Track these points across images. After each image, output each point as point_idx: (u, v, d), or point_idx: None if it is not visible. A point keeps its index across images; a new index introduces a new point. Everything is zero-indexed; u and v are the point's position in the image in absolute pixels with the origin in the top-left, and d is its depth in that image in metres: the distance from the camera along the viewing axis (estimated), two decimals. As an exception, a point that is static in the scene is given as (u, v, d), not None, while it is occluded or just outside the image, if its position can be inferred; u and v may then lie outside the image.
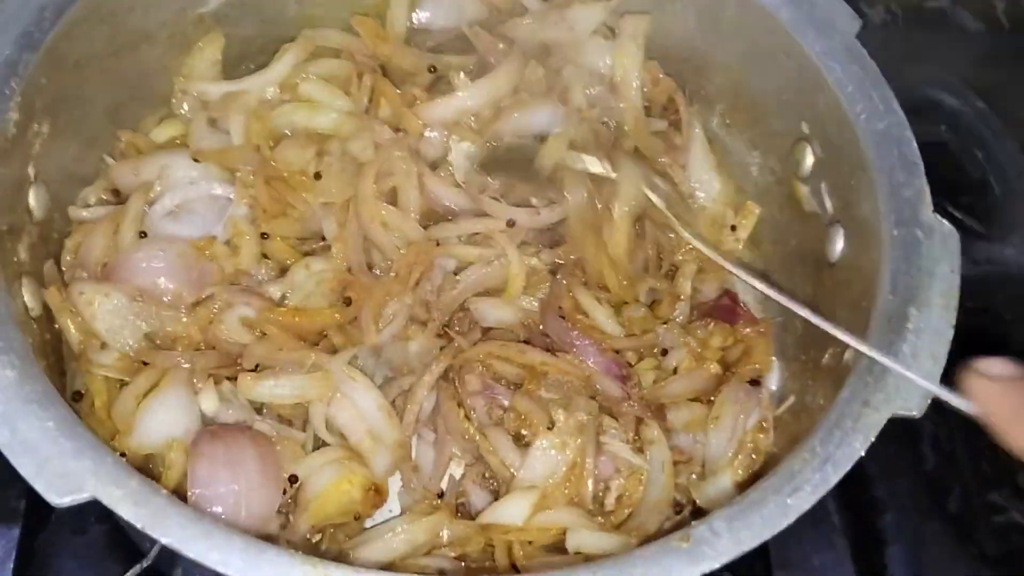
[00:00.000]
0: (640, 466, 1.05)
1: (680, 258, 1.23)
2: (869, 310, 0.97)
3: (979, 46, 1.78)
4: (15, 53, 0.99)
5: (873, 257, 1.01)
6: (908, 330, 0.93)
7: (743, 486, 1.09)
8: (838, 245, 1.11)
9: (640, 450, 1.08)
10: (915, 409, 0.89)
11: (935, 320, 0.94)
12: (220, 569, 0.75)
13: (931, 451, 1.39)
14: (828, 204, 1.13)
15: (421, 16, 1.31)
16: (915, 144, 1.04)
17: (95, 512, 1.08)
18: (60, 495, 0.77)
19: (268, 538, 0.81)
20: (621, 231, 1.16)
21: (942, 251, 0.98)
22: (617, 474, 1.05)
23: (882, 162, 1.04)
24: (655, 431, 1.07)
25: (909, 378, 0.88)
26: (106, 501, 0.77)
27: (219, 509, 0.93)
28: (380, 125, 1.19)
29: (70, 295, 1.02)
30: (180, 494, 0.91)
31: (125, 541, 1.12)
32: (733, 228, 1.27)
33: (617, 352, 1.11)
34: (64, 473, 0.78)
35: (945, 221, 0.99)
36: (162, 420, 1.00)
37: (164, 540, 0.76)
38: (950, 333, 0.93)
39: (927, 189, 1.02)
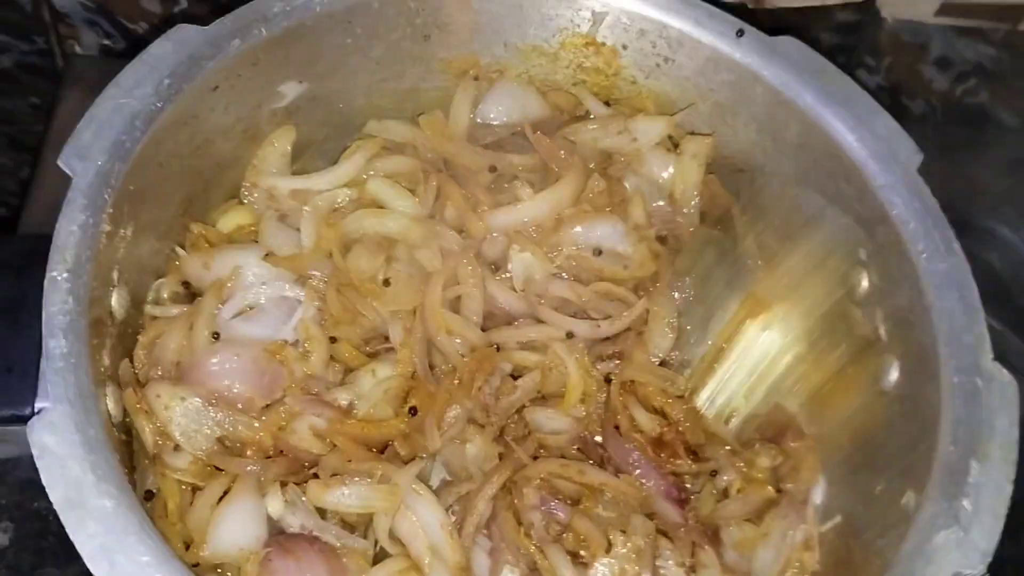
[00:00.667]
0: (695, 591, 1.08)
1: (732, 370, 1.26)
2: (928, 456, 1.00)
3: (1016, 141, 1.82)
4: (108, 163, 1.01)
5: (929, 398, 1.04)
6: (969, 484, 0.96)
7: (789, 606, 1.12)
8: (892, 375, 1.13)
9: (692, 570, 1.10)
10: (977, 567, 0.91)
11: (995, 475, 0.96)
12: None
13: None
14: (882, 332, 1.16)
15: (483, 111, 1.34)
16: (976, 289, 1.07)
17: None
18: (159, 632, 0.79)
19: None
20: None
21: (1001, 402, 1.00)
22: (673, 598, 1.08)
23: (942, 303, 1.07)
24: (710, 556, 1.10)
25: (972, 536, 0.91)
26: (201, 641, 0.79)
27: (295, 628, 0.95)
28: (446, 230, 1.21)
29: (147, 396, 1.04)
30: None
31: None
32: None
33: (676, 475, 1.13)
34: (161, 610, 0.80)
35: (1005, 371, 1.02)
36: (234, 529, 1.02)
37: None
38: (1009, 489, 0.96)
39: (987, 336, 1.04)
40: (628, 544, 1.06)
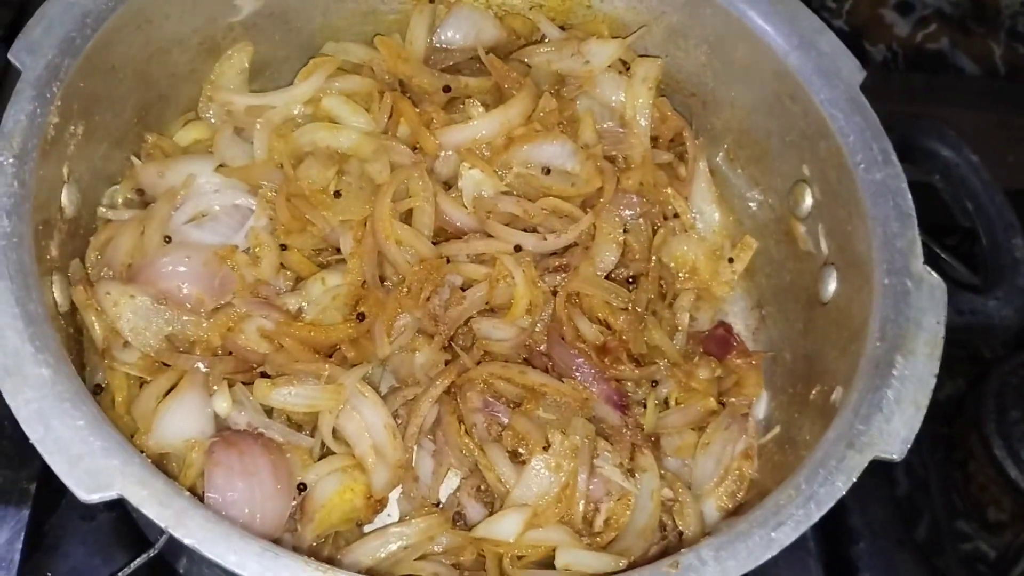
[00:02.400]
0: (630, 491, 1.10)
1: (678, 287, 1.28)
2: (857, 353, 1.02)
3: (975, 89, 1.84)
4: (57, 58, 1.02)
5: (864, 302, 1.06)
6: (894, 376, 0.98)
7: (727, 513, 1.15)
8: (831, 286, 1.16)
9: (631, 474, 1.12)
10: (896, 453, 0.94)
11: (919, 368, 0.99)
12: (237, 571, 0.80)
13: (905, 479, 1.46)
14: (824, 245, 1.18)
15: (440, 35, 1.35)
16: (910, 196, 1.09)
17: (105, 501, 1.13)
18: (89, 492, 0.81)
19: (277, 543, 0.85)
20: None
21: (930, 302, 1.03)
22: (608, 497, 1.10)
23: (878, 211, 1.09)
24: (649, 460, 1.12)
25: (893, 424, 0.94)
26: (133, 500, 0.81)
27: (234, 515, 0.97)
28: (398, 146, 1.23)
29: (96, 294, 1.06)
30: (195, 494, 0.96)
31: (132, 530, 1.17)
32: (731, 260, 1.31)
33: (618, 381, 1.16)
34: (94, 471, 0.82)
35: (934, 274, 1.04)
36: (180, 421, 1.04)
37: (186, 540, 0.80)
38: (932, 382, 0.98)
39: (919, 241, 1.07)
40: (566, 442, 1.08)
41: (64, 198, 1.06)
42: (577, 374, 1.15)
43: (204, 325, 1.10)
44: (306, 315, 1.14)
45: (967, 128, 1.47)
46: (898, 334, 1.01)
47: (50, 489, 1.18)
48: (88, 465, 0.82)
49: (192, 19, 1.20)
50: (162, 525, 0.81)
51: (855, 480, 0.92)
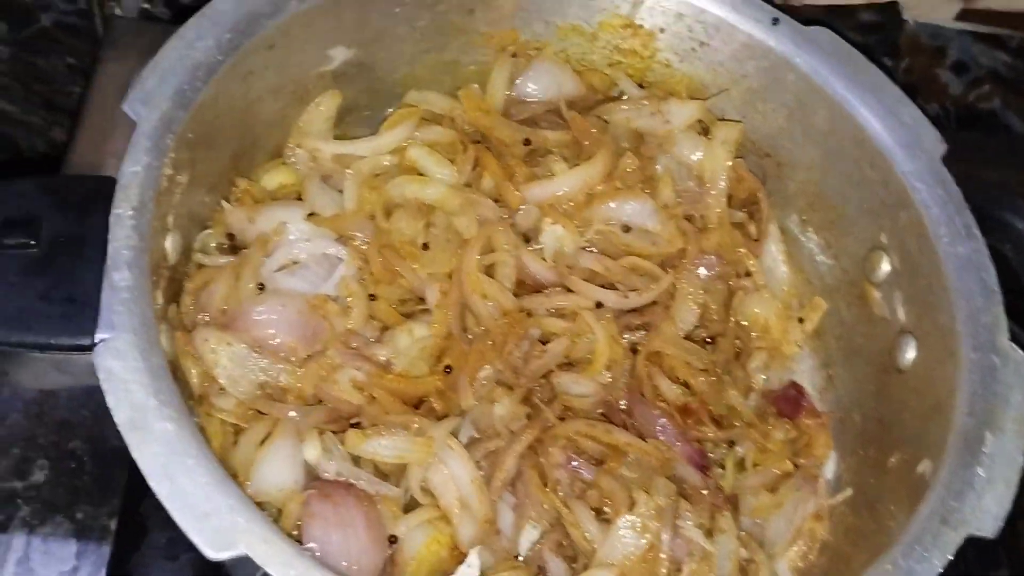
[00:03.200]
0: (711, 552, 1.12)
1: (751, 346, 1.30)
2: (944, 427, 1.04)
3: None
4: (171, 110, 1.04)
5: (947, 374, 1.08)
6: (984, 453, 1.00)
7: (800, 573, 1.17)
8: (909, 354, 1.18)
9: (709, 534, 1.14)
10: (989, 531, 0.96)
11: (1008, 446, 1.01)
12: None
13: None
14: (901, 313, 1.20)
15: (520, 87, 1.38)
16: (995, 272, 1.12)
17: (187, 541, 1.14)
18: (217, 550, 0.83)
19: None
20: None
21: (1016, 378, 1.05)
22: (689, 558, 1.12)
23: (962, 285, 1.11)
24: (728, 521, 1.14)
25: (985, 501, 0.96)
26: (258, 559, 0.83)
27: (332, 565, 0.99)
28: (482, 199, 1.25)
29: (194, 340, 1.08)
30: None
31: (214, 569, 1.18)
32: (800, 320, 1.33)
33: (699, 441, 1.18)
34: (220, 529, 0.84)
35: (1019, 350, 1.07)
36: (276, 470, 1.06)
37: (310, 601, 0.82)
38: (1021, 460, 1.00)
39: (1004, 316, 1.09)
40: (651, 503, 1.10)
41: (168, 245, 1.08)
42: (660, 433, 1.16)
43: (298, 374, 1.12)
44: (395, 366, 1.16)
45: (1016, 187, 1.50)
46: (986, 410, 1.03)
47: (132, 527, 1.20)
48: (215, 523, 0.84)
49: (288, 70, 1.22)
50: (284, 584, 0.82)
51: (950, 558, 0.94)
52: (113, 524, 1.21)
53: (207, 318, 1.12)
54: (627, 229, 1.29)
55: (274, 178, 1.29)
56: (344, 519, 1.04)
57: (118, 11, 1.71)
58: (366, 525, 1.05)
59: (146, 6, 1.70)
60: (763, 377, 1.29)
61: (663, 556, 1.09)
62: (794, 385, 1.31)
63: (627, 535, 1.09)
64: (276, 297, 1.15)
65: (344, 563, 1.01)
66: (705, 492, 1.16)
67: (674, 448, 1.16)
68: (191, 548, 1.16)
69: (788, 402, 1.28)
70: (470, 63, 1.39)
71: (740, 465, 1.23)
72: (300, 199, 1.25)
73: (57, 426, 1.27)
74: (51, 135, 1.86)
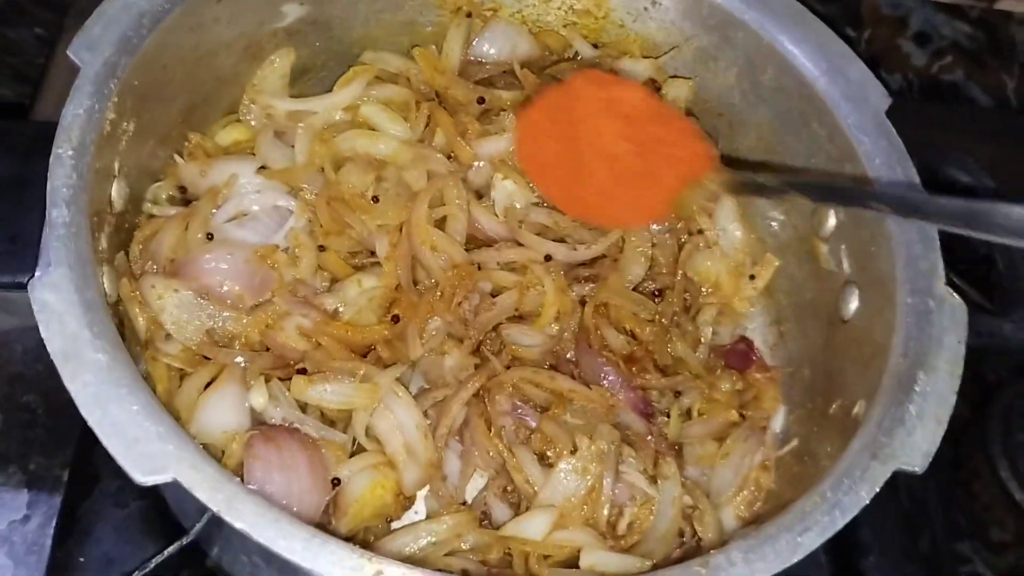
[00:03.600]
0: (653, 497, 1.13)
1: (701, 301, 1.32)
2: (880, 369, 1.06)
3: (987, 120, 1.89)
4: (115, 56, 1.05)
5: (886, 320, 1.10)
6: (916, 392, 1.01)
7: (744, 522, 1.18)
8: (852, 304, 1.19)
9: (654, 480, 1.15)
10: (918, 466, 0.97)
11: (941, 385, 1.02)
12: (286, 555, 0.82)
13: (906, 498, 1.48)
14: (846, 265, 1.22)
15: (476, 48, 1.39)
16: (933, 221, 1.13)
17: (137, 488, 1.15)
18: (145, 474, 0.84)
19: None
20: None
21: (951, 322, 1.06)
22: (631, 502, 1.13)
23: (902, 233, 1.12)
24: (672, 468, 1.15)
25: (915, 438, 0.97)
26: (186, 483, 0.84)
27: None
28: (435, 154, 1.26)
29: (141, 287, 1.09)
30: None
31: (164, 518, 1.19)
32: (752, 277, 1.35)
33: (643, 390, 1.19)
34: (150, 454, 0.85)
35: (956, 295, 1.08)
36: (219, 413, 1.07)
37: (237, 525, 0.83)
38: (953, 399, 1.01)
39: (941, 263, 1.10)
40: (593, 447, 1.11)
41: (114, 192, 1.09)
42: (604, 381, 1.18)
43: (244, 321, 1.13)
44: (342, 315, 1.17)
45: (979, 158, 1.51)
46: (920, 352, 1.04)
47: (84, 477, 1.21)
48: (144, 449, 0.85)
49: (240, 24, 1.23)
50: (214, 509, 0.83)
51: (877, 490, 0.95)
52: (65, 475, 1.22)
53: (155, 267, 1.13)
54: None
55: (228, 134, 1.30)
56: (287, 462, 1.05)
57: (85, -20, 1.72)
58: (309, 468, 1.06)
59: (112, -25, 1.71)
60: (711, 331, 1.30)
61: (604, 499, 1.10)
62: (743, 339, 1.32)
63: (568, 478, 1.10)
64: (225, 246, 1.16)
65: (284, 502, 1.02)
66: (649, 439, 1.16)
67: (618, 396, 1.17)
68: (141, 495, 1.20)
69: (737, 356, 1.29)
70: (426, 24, 1.40)
71: (687, 415, 1.24)
72: (254, 155, 1.26)
73: (10, 379, 1.28)
74: (22, 105, 1.87)
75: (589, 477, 1.10)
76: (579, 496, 1.10)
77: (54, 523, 1.18)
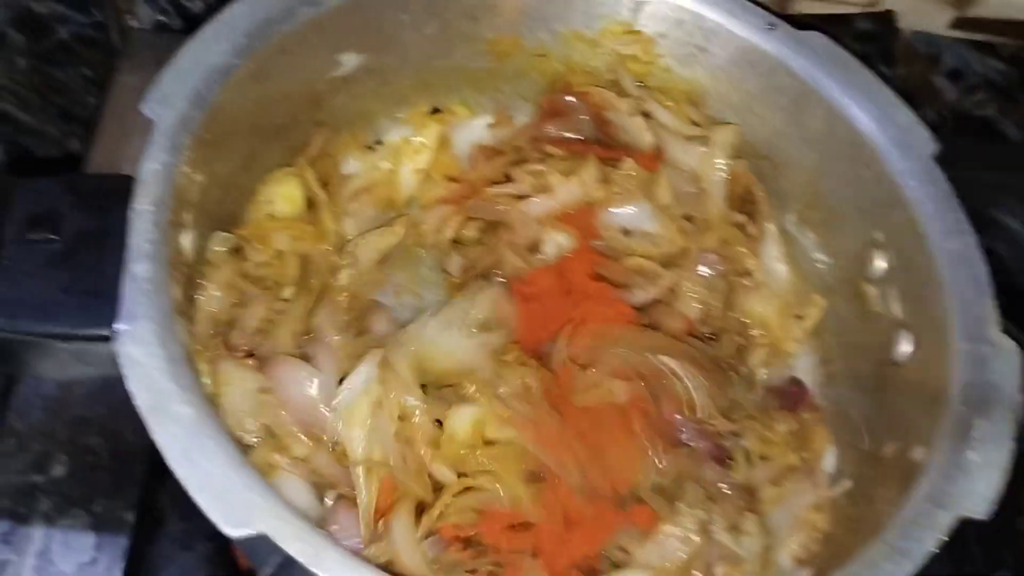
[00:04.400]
0: (741, 556, 1.14)
1: (752, 343, 1.34)
2: (938, 415, 1.07)
3: (1019, 154, 1.91)
4: (188, 111, 1.08)
5: (941, 365, 1.11)
6: (974, 439, 1.03)
7: (800, 563, 1.20)
8: (904, 347, 1.21)
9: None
10: (981, 513, 0.99)
11: (998, 431, 1.04)
12: (372, 606, 0.85)
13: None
14: (895, 308, 1.24)
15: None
16: (986, 267, 1.15)
17: (204, 531, 1.17)
18: (235, 527, 0.86)
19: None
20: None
21: (1007, 368, 1.08)
22: (720, 561, 1.14)
23: (955, 279, 1.14)
24: (754, 523, 1.17)
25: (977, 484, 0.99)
26: (274, 536, 0.86)
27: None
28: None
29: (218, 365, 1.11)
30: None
31: (229, 560, 1.21)
32: (799, 317, 1.37)
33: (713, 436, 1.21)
34: (237, 506, 0.87)
35: (1010, 340, 1.10)
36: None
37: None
38: (1012, 445, 1.03)
39: (994, 308, 1.12)
40: (691, 514, 1.12)
41: (186, 243, 1.11)
42: (681, 433, 1.19)
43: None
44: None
45: (1015, 193, 1.54)
46: (978, 398, 1.06)
47: (150, 519, 1.23)
48: (231, 500, 0.87)
49: (301, 73, 1.26)
50: (302, 561, 0.85)
51: (944, 538, 0.97)
52: (131, 516, 1.24)
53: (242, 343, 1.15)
54: (627, 233, 1.32)
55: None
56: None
57: (134, 23, 1.75)
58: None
59: (161, 18, 1.74)
60: (764, 373, 1.32)
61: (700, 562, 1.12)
62: (795, 381, 1.34)
63: (668, 543, 1.11)
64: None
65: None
66: (727, 490, 1.18)
67: (698, 445, 1.19)
68: (207, 538, 1.22)
69: (789, 397, 1.31)
70: (476, 68, 1.43)
71: (747, 459, 1.25)
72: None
73: (74, 422, 1.30)
74: (67, 145, 1.90)
75: (689, 547, 1.11)
76: (677, 563, 1.11)
77: (122, 565, 1.20)
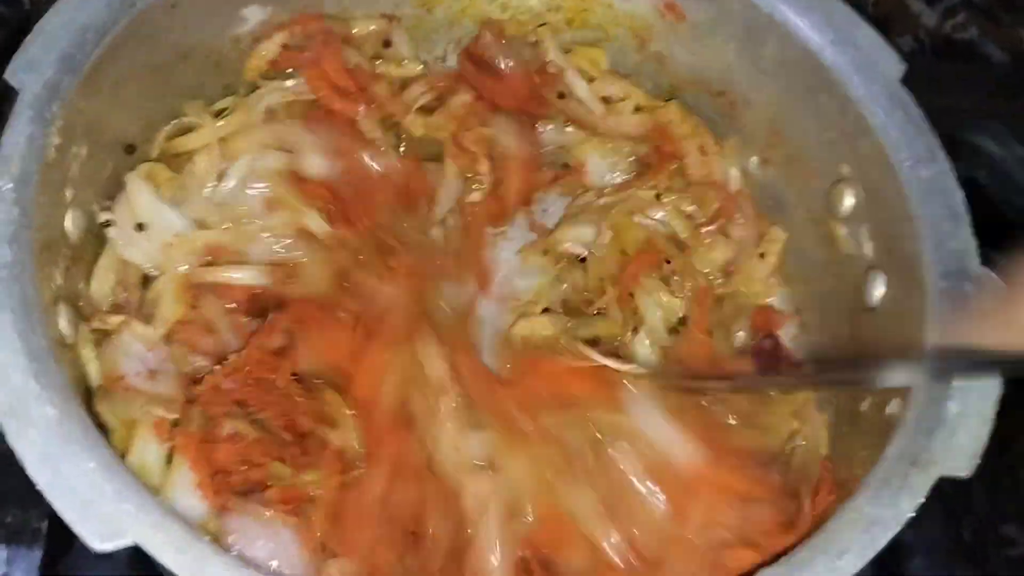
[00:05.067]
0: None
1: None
2: (915, 361, 0.96)
3: (1004, 78, 1.79)
4: (57, 75, 0.97)
5: (917, 307, 1.00)
6: (955, 387, 0.92)
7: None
8: (877, 291, 1.10)
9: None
10: (964, 470, 0.88)
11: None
12: (261, 622, 0.74)
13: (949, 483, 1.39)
14: (867, 248, 1.12)
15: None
16: (961, 194, 1.03)
17: (120, 537, 1.07)
18: (103, 540, 0.76)
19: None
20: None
21: (991, 305, 0.97)
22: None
23: (926, 211, 1.03)
24: None
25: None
26: (148, 547, 0.76)
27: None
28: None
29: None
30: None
31: (150, 563, 1.11)
32: (761, 255, 1.25)
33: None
34: (106, 517, 0.77)
35: (995, 275, 0.98)
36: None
37: (207, 589, 0.74)
38: (998, 391, 0.92)
39: (974, 241, 1.01)
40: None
41: (68, 222, 1.00)
42: None
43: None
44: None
45: (1002, 118, 1.42)
46: (960, 340, 0.94)
47: (63, 527, 1.12)
48: (100, 511, 0.77)
49: (198, 33, 1.14)
50: (177, 572, 0.75)
51: (921, 501, 0.86)
52: (44, 526, 1.13)
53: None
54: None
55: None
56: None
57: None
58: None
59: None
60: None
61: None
62: (770, 335, 1.23)
63: None
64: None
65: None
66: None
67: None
68: (125, 544, 1.12)
69: (767, 354, 1.21)
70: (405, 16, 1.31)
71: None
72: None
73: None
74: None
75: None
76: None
77: (35, 578, 1.10)
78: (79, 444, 0.80)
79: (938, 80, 1.66)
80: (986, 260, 1.01)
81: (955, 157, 1.08)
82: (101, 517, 0.77)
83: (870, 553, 0.83)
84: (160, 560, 0.76)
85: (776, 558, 0.85)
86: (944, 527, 1.27)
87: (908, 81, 1.12)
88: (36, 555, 1.12)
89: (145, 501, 0.78)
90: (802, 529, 0.94)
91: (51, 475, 0.78)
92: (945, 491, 1.32)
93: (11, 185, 0.90)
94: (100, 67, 1.01)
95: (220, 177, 1.15)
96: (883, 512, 0.85)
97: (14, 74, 0.96)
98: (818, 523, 0.88)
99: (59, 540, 1.13)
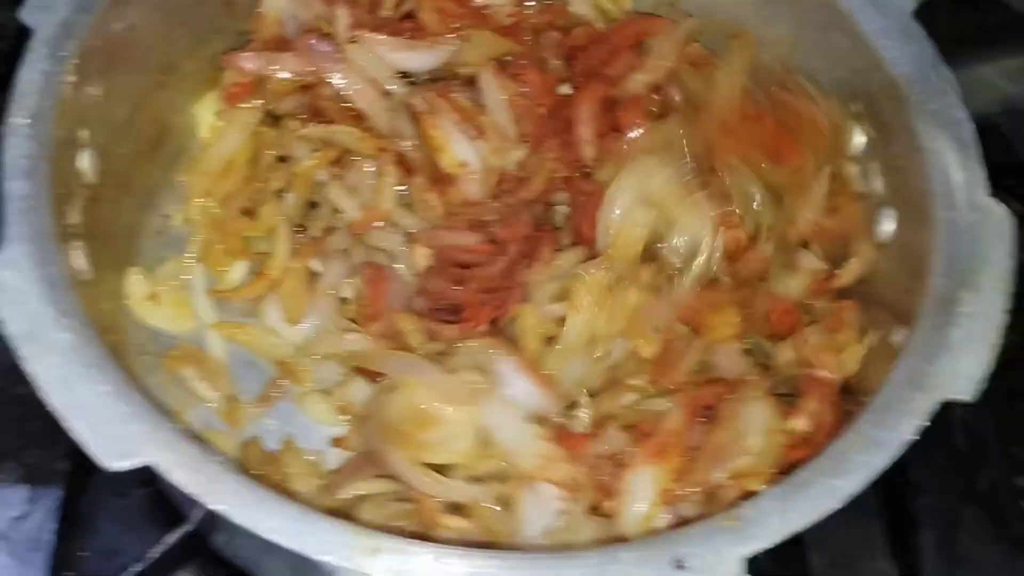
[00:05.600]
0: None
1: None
2: (920, 292, 0.96)
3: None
4: (71, 15, 0.99)
5: (924, 239, 1.00)
6: (960, 314, 0.92)
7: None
8: (888, 227, 1.10)
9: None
10: (966, 393, 0.88)
11: (987, 304, 0.93)
12: (272, 538, 0.76)
13: (961, 433, 1.39)
14: (877, 184, 1.12)
15: None
16: (971, 126, 1.03)
17: (138, 476, 1.09)
18: (115, 459, 0.77)
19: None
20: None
21: (997, 234, 0.97)
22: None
23: (935, 143, 1.03)
24: None
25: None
26: (160, 466, 0.77)
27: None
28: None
29: None
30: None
31: (167, 505, 1.13)
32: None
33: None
34: (119, 437, 0.78)
35: (1001, 204, 0.98)
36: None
37: (216, 507, 0.76)
38: (1002, 318, 0.92)
39: (982, 171, 1.01)
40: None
41: (84, 163, 1.02)
42: None
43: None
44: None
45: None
46: (964, 270, 0.95)
47: (83, 468, 1.15)
48: (113, 432, 0.79)
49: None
50: (190, 491, 0.77)
51: (922, 424, 0.86)
52: (64, 465, 1.16)
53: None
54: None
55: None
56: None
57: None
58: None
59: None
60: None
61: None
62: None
63: None
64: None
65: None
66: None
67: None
68: (141, 483, 1.14)
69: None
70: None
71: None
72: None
73: (3, 371, 1.22)
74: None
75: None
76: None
77: (56, 518, 1.12)
78: (96, 367, 0.82)
79: (957, 30, 1.65)
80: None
81: (968, 93, 1.08)
82: (115, 437, 0.78)
83: (870, 475, 0.84)
84: (173, 480, 0.77)
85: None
86: (957, 475, 1.27)
87: (921, 16, 1.12)
88: (56, 495, 1.14)
89: (159, 423, 0.80)
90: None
91: (67, 397, 0.80)
92: (958, 444, 1.34)
93: (28, 121, 0.92)
94: (114, 8, 1.03)
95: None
96: (885, 435, 0.86)
97: (29, 14, 0.98)
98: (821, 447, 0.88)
99: (79, 481, 1.15)
